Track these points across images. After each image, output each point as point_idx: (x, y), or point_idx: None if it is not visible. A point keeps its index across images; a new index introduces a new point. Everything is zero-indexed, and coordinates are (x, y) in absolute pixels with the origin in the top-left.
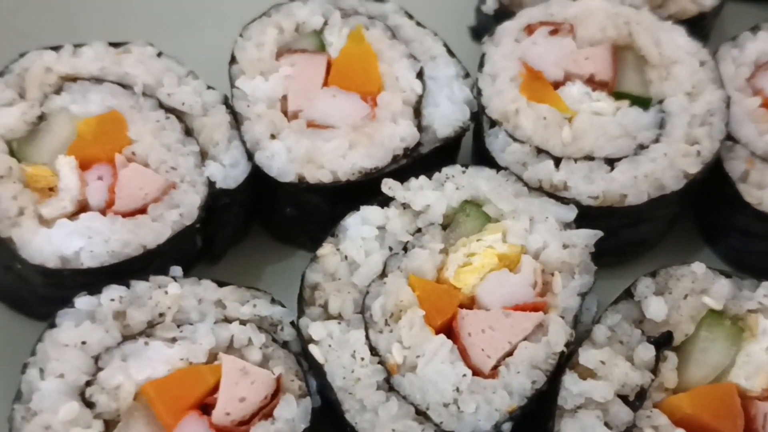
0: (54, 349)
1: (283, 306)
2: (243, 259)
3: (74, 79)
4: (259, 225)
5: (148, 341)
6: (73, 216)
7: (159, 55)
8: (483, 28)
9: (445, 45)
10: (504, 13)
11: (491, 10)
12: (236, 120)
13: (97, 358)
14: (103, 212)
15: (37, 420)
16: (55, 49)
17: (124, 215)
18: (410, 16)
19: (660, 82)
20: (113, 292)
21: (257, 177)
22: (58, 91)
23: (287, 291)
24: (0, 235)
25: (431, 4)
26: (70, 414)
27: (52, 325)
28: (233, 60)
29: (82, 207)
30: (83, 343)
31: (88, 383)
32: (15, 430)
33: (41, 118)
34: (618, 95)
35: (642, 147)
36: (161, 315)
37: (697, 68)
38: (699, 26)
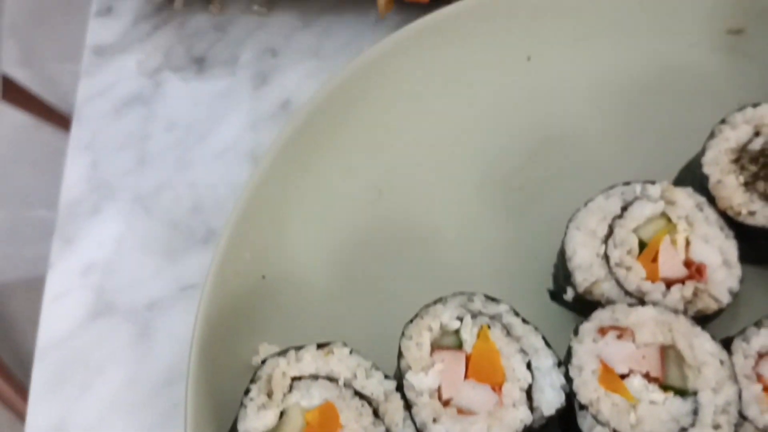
0: None
1: None
2: None
3: (299, 378)
4: None
5: None
6: None
7: (351, 352)
8: (560, 293)
9: (544, 338)
10: (579, 299)
11: (570, 298)
12: (407, 403)
13: None
14: None
15: None
16: (282, 353)
17: None
18: (517, 314)
19: (694, 378)
20: None
21: None
22: (290, 389)
23: None
24: None
25: (513, 272)
26: None
27: None
28: (401, 354)
29: None
30: None
31: None
32: None
33: (282, 412)
34: (665, 387)
35: (683, 429)
36: None
37: (719, 367)
38: (716, 314)
